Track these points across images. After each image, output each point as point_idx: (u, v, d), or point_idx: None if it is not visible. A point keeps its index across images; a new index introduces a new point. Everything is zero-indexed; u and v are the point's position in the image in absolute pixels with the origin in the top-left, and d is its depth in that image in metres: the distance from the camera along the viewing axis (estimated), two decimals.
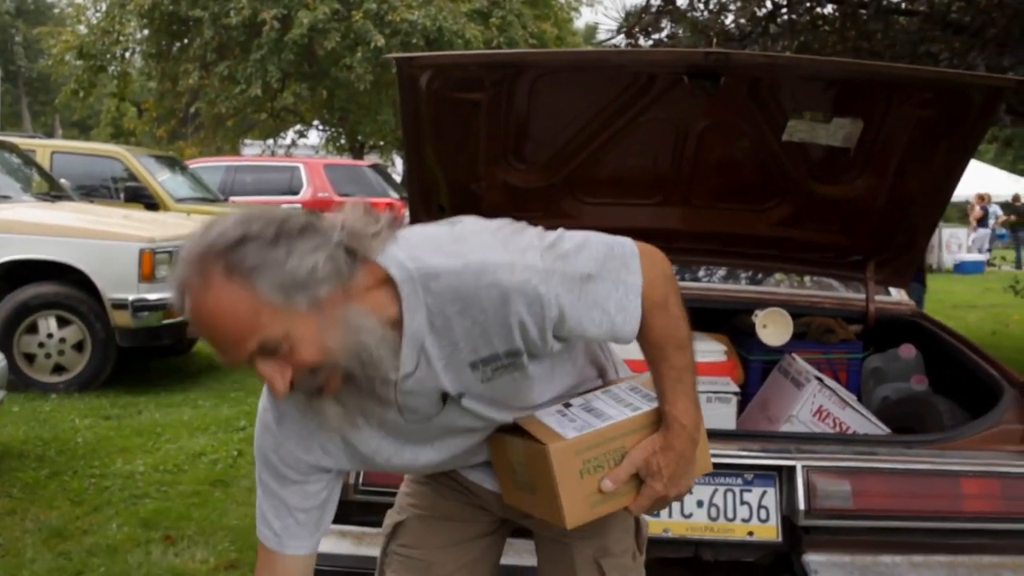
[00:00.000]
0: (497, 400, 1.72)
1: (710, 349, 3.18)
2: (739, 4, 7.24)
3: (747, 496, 2.58)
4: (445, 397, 1.68)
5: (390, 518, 2.09)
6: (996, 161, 28.46)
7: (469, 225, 1.70)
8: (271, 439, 1.75)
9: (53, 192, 8.14)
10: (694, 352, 1.79)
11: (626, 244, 1.70)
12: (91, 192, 9.73)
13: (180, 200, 9.91)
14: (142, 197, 9.58)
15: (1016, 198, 22.76)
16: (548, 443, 1.67)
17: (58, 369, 6.84)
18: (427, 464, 1.85)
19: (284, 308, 1.47)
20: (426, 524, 2.02)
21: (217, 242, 1.48)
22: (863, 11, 7.05)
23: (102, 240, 6.84)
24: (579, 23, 27.54)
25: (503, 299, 1.57)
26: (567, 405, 1.78)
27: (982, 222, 22.58)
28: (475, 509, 2.01)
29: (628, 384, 1.85)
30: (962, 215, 25.05)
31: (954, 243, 21.41)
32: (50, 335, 6.79)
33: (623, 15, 5.32)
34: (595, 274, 1.65)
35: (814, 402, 3.00)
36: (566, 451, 1.67)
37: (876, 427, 2.99)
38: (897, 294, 3.80)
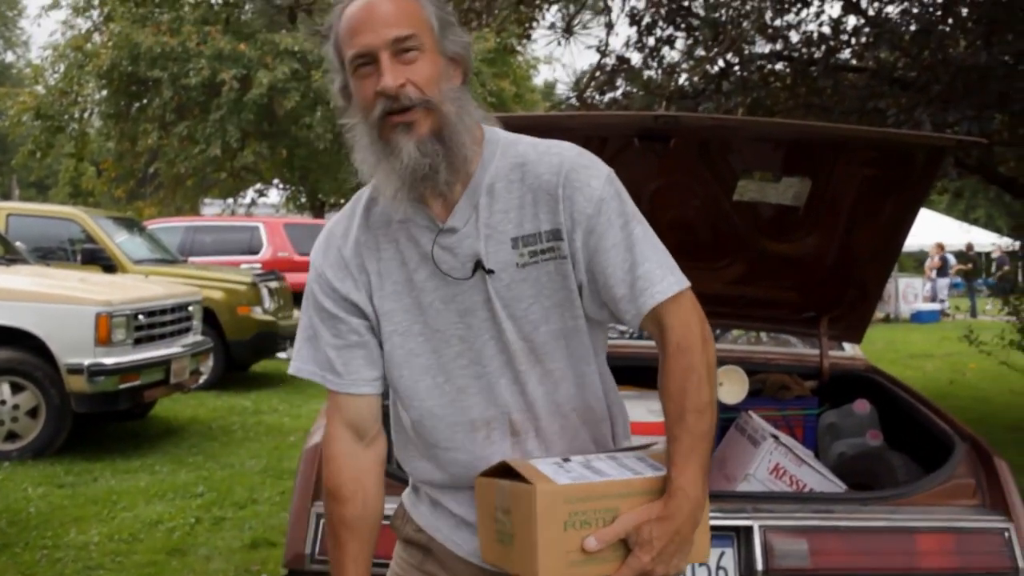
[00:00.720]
0: (519, 306, 1.72)
1: None
2: (691, 63, 7.37)
3: None
4: (477, 268, 1.72)
5: None
6: (949, 211, 29.02)
7: None
8: (317, 263, 1.85)
9: (8, 255, 8.05)
10: (715, 423, 1.70)
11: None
12: (48, 255, 9.63)
13: (138, 262, 9.83)
14: (99, 259, 9.49)
15: (969, 247, 23.18)
16: (536, 483, 1.59)
17: (11, 436, 6.70)
18: (423, 381, 1.79)
19: (435, 35, 1.68)
20: None
21: None
22: (813, 68, 7.20)
23: (58, 304, 6.76)
24: (538, 80, 27.89)
25: (560, 169, 1.70)
26: (566, 460, 1.70)
27: (941, 271, 22.91)
28: None
29: (635, 454, 1.76)
30: (918, 264, 25.43)
31: (910, 293, 21.68)
32: (3, 401, 6.67)
33: (574, 79, 5.39)
34: (645, 227, 1.73)
35: (771, 460, 3.01)
36: (554, 496, 1.57)
37: (833, 484, 3.00)
38: (851, 349, 3.84)
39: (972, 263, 22.91)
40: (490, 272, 1.72)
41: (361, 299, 1.80)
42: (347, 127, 1.73)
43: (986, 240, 24.40)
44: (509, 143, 1.77)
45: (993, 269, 20.74)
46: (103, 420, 7.52)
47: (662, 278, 1.68)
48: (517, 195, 1.72)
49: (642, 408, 3.20)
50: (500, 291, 1.72)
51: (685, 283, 1.71)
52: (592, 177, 1.70)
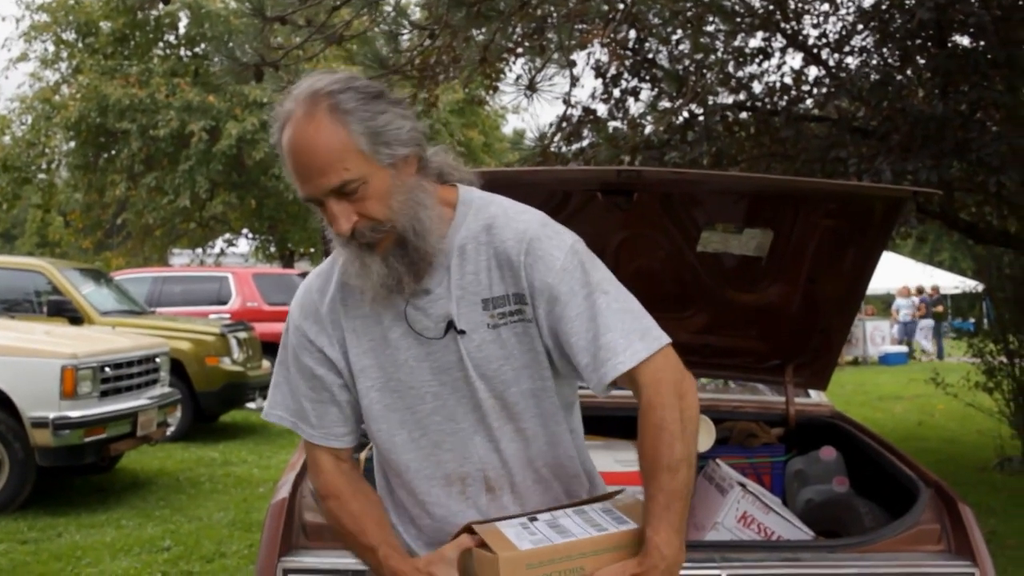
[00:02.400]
0: (491, 366, 1.77)
1: (634, 459, 3.20)
2: (656, 114, 7.48)
3: None
4: (449, 328, 1.77)
5: None
6: (914, 254, 29.41)
7: None
8: (295, 317, 1.90)
9: None
10: (693, 476, 1.72)
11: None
12: (13, 307, 9.55)
13: (105, 313, 9.76)
14: (66, 311, 9.42)
15: (935, 290, 23.46)
16: (499, 552, 1.62)
17: None
18: (399, 435, 1.83)
19: (368, 155, 1.67)
20: None
21: (326, 86, 1.69)
22: (776, 118, 7.33)
23: (22, 357, 6.71)
24: (507, 128, 28.12)
25: (524, 237, 1.75)
26: (532, 519, 1.73)
27: (925, 315, 23.09)
28: None
29: (602, 505, 1.78)
30: (885, 307, 25.69)
31: (878, 335, 21.88)
32: None
33: (538, 135, 5.46)
34: (610, 296, 1.74)
35: (739, 508, 3.03)
36: (516, 562, 1.60)
37: (800, 531, 3.02)
38: (817, 396, 3.88)
39: (939, 305, 23.18)
40: (462, 332, 1.77)
41: (336, 355, 1.86)
42: (323, 226, 1.78)
43: (950, 283, 24.71)
44: (482, 204, 1.81)
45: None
46: (68, 474, 7.42)
47: (625, 347, 1.70)
48: (485, 257, 1.77)
49: (609, 458, 3.21)
50: (472, 351, 1.77)
51: (656, 345, 1.73)
52: (555, 247, 1.75)
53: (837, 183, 3.57)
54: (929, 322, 22.87)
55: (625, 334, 1.71)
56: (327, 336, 1.86)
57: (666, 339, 1.75)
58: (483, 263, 1.77)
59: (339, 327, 1.85)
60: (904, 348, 22.09)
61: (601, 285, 1.75)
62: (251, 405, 11.91)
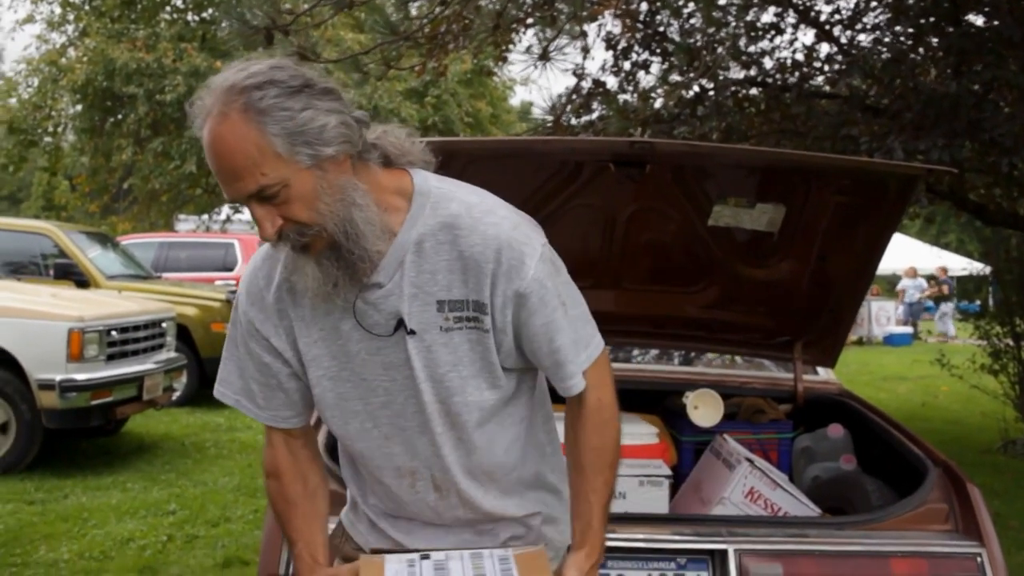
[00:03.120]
0: (438, 370, 1.72)
1: (642, 431, 3.21)
2: (666, 88, 7.44)
3: None
4: (400, 326, 1.70)
5: None
6: (921, 235, 29.33)
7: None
8: (241, 304, 1.83)
9: None
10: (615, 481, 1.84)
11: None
12: (19, 269, 9.55)
13: (112, 277, 9.77)
14: (72, 274, 9.42)
15: (943, 271, 23.37)
16: None
17: None
18: (352, 424, 1.82)
19: (287, 157, 1.55)
20: None
21: (243, 80, 1.55)
22: (787, 94, 7.27)
23: (29, 319, 6.72)
24: (514, 101, 28.01)
25: (493, 244, 1.66)
26: (424, 557, 1.70)
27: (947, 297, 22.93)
28: None
29: (502, 553, 1.72)
30: (891, 287, 25.64)
31: (883, 316, 21.84)
32: None
33: (550, 104, 5.43)
34: (569, 305, 1.75)
35: (746, 484, 3.04)
36: None
37: (807, 508, 3.03)
38: (825, 373, 3.88)
39: (941, 286, 23.10)
40: (412, 333, 1.71)
41: (282, 345, 1.81)
42: None
43: (957, 264, 24.65)
44: (441, 197, 1.71)
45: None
46: (74, 436, 7.45)
47: (580, 367, 1.76)
48: (446, 258, 1.68)
49: None
50: (421, 352, 1.72)
51: (598, 351, 1.80)
52: (526, 256, 1.68)
53: (851, 159, 3.55)
54: (950, 305, 22.69)
55: (576, 351, 1.76)
56: (273, 325, 1.80)
57: (602, 343, 1.82)
58: (443, 263, 1.68)
59: (286, 316, 1.78)
60: (909, 329, 22.06)
61: (562, 296, 1.74)
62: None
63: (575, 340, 1.75)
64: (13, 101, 20.60)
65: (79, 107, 19.07)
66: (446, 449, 1.78)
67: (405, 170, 1.72)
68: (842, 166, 3.27)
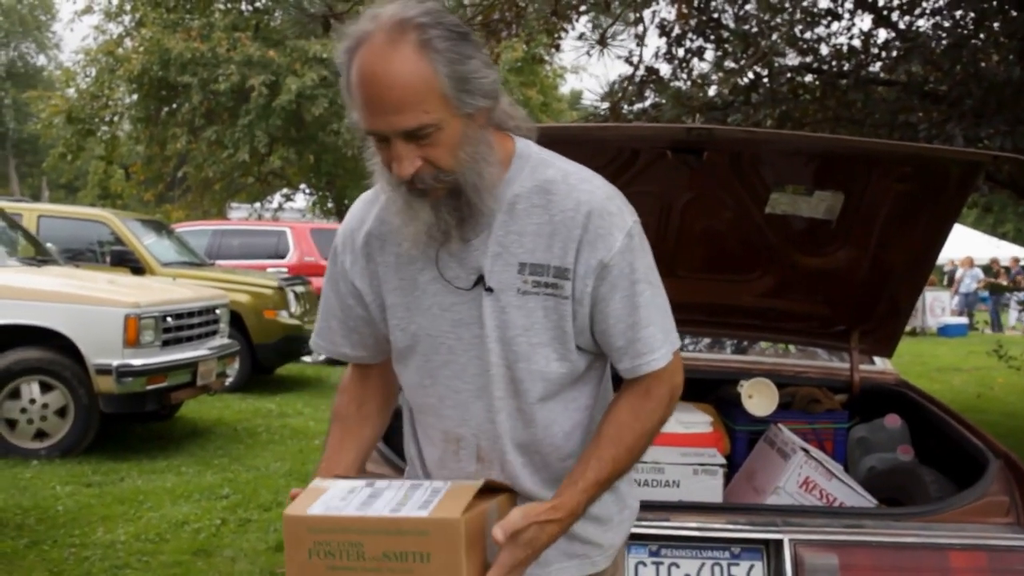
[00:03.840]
0: (509, 332, 1.69)
1: (696, 420, 3.19)
2: (721, 75, 7.36)
3: (734, 570, 2.58)
4: (479, 282, 1.70)
5: None
6: (977, 224, 28.80)
7: None
8: (336, 246, 1.87)
9: (39, 256, 8.14)
10: (615, 482, 1.75)
11: None
12: (77, 256, 9.71)
13: (166, 264, 9.91)
14: (128, 261, 9.57)
15: (994, 262, 22.95)
16: (287, 510, 1.64)
17: (40, 435, 6.78)
18: (413, 379, 1.81)
19: (451, 100, 1.56)
20: None
21: (415, 16, 1.55)
22: (843, 81, 7.16)
23: (87, 305, 6.83)
24: (564, 89, 27.91)
25: (584, 209, 1.66)
26: (370, 483, 1.69)
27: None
28: None
29: (438, 485, 1.68)
30: (949, 279, 25.21)
31: (937, 306, 21.51)
32: (32, 400, 6.74)
33: (606, 89, 5.40)
34: (655, 287, 1.73)
35: (801, 473, 3.00)
36: (298, 523, 1.61)
37: (863, 498, 2.99)
38: (881, 363, 3.82)
39: (995, 277, 22.67)
40: (489, 290, 1.69)
41: (365, 288, 1.83)
42: (368, 161, 1.71)
43: (1014, 254, 24.21)
44: (540, 163, 1.72)
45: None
46: (130, 421, 7.58)
47: (661, 344, 1.73)
48: (536, 221, 1.68)
49: (672, 419, 3.18)
50: (495, 311, 1.70)
51: (676, 345, 1.77)
52: (615, 227, 1.67)
53: (913, 145, 3.49)
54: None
55: (663, 330, 1.73)
56: (359, 268, 1.82)
57: (679, 342, 1.79)
58: (531, 226, 1.68)
59: (373, 260, 1.80)
60: (964, 320, 21.70)
61: (649, 275, 1.72)
62: (307, 359, 12.05)
63: (661, 325, 1.73)
64: (71, 91, 20.97)
65: (135, 97, 19.37)
66: (501, 416, 1.75)
67: (509, 135, 1.73)
68: (904, 152, 3.21)
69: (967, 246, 23.76)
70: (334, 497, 1.65)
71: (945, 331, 20.50)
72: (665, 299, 1.76)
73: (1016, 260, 23.03)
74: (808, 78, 7.71)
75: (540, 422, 1.76)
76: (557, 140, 3.18)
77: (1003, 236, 30.98)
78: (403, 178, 1.59)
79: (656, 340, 1.71)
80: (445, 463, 1.83)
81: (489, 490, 1.70)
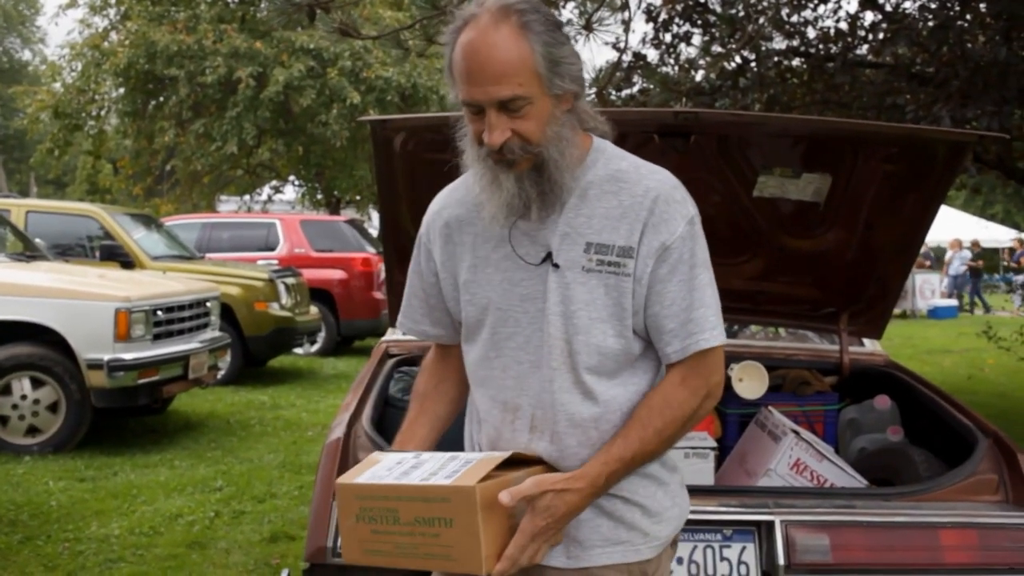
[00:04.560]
0: (571, 306, 1.79)
1: None
2: (708, 59, 7.36)
3: (726, 552, 2.59)
4: (547, 259, 1.81)
5: None
6: (966, 207, 28.90)
7: None
8: (424, 225, 2.01)
9: (28, 252, 8.11)
10: (653, 458, 1.83)
11: None
12: (66, 251, 9.68)
13: (156, 258, 9.87)
14: (118, 256, 9.53)
15: (975, 244, 23.01)
16: (339, 479, 1.76)
17: (32, 431, 6.76)
18: (479, 351, 1.90)
19: (544, 78, 1.72)
20: None
21: (519, 3, 1.72)
22: (830, 64, 7.18)
23: (77, 300, 6.81)
24: None
25: (651, 195, 1.79)
26: (417, 455, 1.82)
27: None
28: None
29: (471, 456, 1.78)
30: (937, 259, 25.31)
31: (927, 288, 21.59)
32: (24, 396, 6.72)
33: (593, 75, 5.39)
34: (710, 275, 1.83)
35: (791, 455, 3.02)
36: (347, 492, 1.74)
37: (854, 479, 3.00)
38: (871, 345, 3.84)
39: (980, 260, 22.76)
40: (556, 266, 1.80)
41: (443, 268, 1.96)
42: (459, 133, 1.84)
43: (1004, 236, 24.30)
44: (615, 155, 1.86)
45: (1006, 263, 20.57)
46: (122, 415, 7.57)
47: (714, 326, 1.81)
48: (606, 205, 1.80)
49: None
50: (559, 286, 1.80)
51: (724, 339, 1.84)
52: (678, 214, 1.80)
53: (899, 126, 3.49)
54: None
55: (716, 314, 1.82)
56: (439, 249, 1.95)
57: (725, 338, 1.86)
58: (600, 210, 1.80)
59: (452, 241, 1.93)
60: (954, 301, 21.78)
61: (706, 263, 1.83)
62: (298, 350, 12.04)
63: (715, 309, 1.81)
64: (58, 86, 20.89)
65: (122, 90, 19.28)
66: (556, 385, 1.81)
67: (588, 134, 1.86)
68: (890, 134, 3.21)
69: (956, 228, 23.84)
70: (382, 467, 1.78)
71: (935, 313, 20.58)
72: (716, 291, 1.84)
73: (1021, 242, 23.05)
74: (795, 61, 7.73)
75: (598, 397, 1.82)
76: None
77: (992, 217, 31.09)
78: (494, 146, 1.73)
79: (708, 321, 1.80)
80: (501, 434, 1.89)
81: (524, 462, 1.79)
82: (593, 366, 1.81)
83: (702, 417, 1.85)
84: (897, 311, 19.46)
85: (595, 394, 1.82)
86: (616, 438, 1.78)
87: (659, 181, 1.82)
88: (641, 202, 1.79)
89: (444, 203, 1.99)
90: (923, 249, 22.27)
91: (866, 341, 3.82)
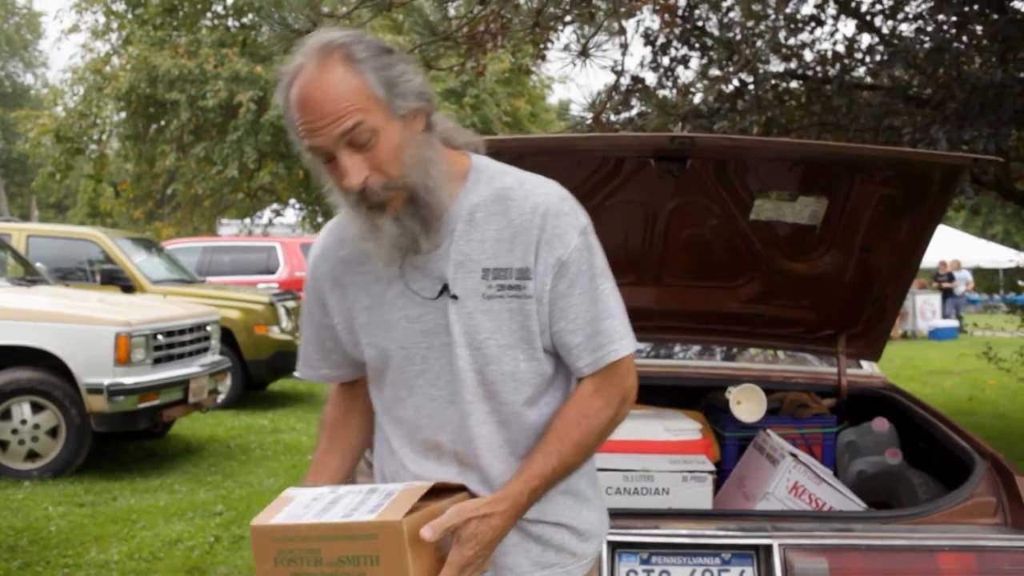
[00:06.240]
0: (477, 336, 1.74)
1: (685, 427, 3.20)
2: (706, 82, 7.40)
3: None
4: (444, 291, 1.75)
5: None
6: (966, 227, 28.92)
7: None
8: (309, 271, 1.94)
9: (28, 276, 8.13)
10: (570, 476, 1.80)
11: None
12: (67, 275, 9.69)
13: (157, 282, 9.89)
14: (118, 280, 9.54)
15: (956, 264, 22.99)
16: (254, 521, 1.69)
17: (32, 455, 6.76)
18: (388, 391, 1.85)
19: (384, 102, 1.64)
20: None
21: (338, 39, 1.66)
22: (828, 86, 7.20)
23: (77, 324, 6.82)
24: (552, 99, 27.98)
25: (540, 210, 1.73)
26: (333, 491, 1.75)
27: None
28: None
29: (392, 488, 1.71)
30: (936, 281, 25.30)
31: (928, 309, 21.57)
32: (24, 421, 6.72)
33: (590, 100, 5.42)
34: (612, 284, 1.79)
35: (790, 478, 3.01)
36: (261, 534, 1.67)
37: (852, 502, 3.00)
38: (869, 367, 3.84)
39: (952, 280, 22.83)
40: (454, 298, 1.75)
41: (336, 312, 1.88)
42: (325, 190, 1.76)
43: (1003, 256, 24.28)
44: (496, 173, 1.79)
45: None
46: (122, 439, 7.56)
47: (622, 336, 1.77)
48: (496, 227, 1.74)
49: (659, 427, 3.21)
50: (461, 317, 1.75)
51: (634, 345, 1.81)
52: (570, 226, 1.74)
53: (894, 149, 3.51)
54: None
55: (623, 323, 1.79)
56: (329, 294, 1.89)
57: (637, 345, 1.83)
58: (492, 232, 1.74)
59: (340, 284, 1.87)
60: (955, 323, 21.75)
61: (606, 271, 1.79)
62: (299, 374, 12.01)
63: (622, 318, 1.78)
64: (59, 110, 20.96)
65: (123, 114, 19.36)
66: (474, 419, 1.78)
67: (463, 152, 1.80)
68: (886, 157, 3.23)
69: (956, 249, 23.84)
70: (298, 506, 1.71)
71: (936, 334, 20.55)
72: (620, 298, 1.81)
73: (957, 263, 23.09)
74: (793, 84, 7.76)
75: (515, 426, 1.80)
76: (543, 151, 3.21)
77: (992, 237, 31.10)
78: (354, 189, 1.65)
79: (616, 332, 1.77)
80: (427, 467, 1.85)
81: (447, 491, 1.73)
82: (509, 394, 1.78)
83: (619, 423, 1.82)
84: (898, 332, 19.47)
85: (513, 422, 1.79)
86: (535, 454, 1.74)
87: (546, 195, 1.76)
88: (531, 219, 1.73)
89: (326, 245, 1.90)
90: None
91: (864, 363, 3.83)
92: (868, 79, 7.64)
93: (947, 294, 22.45)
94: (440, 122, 1.78)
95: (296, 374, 2.08)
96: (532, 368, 1.78)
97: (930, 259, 20.22)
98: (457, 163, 1.78)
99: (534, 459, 1.74)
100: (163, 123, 19.31)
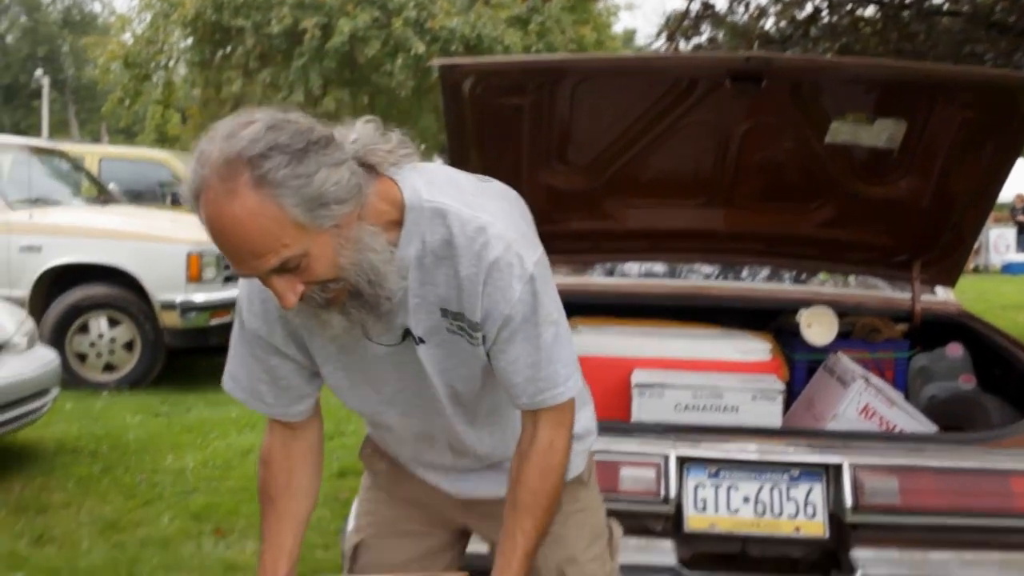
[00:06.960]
0: (447, 363, 1.72)
1: (755, 348, 3.20)
2: (779, 7, 7.24)
3: (793, 492, 2.61)
4: (407, 335, 1.69)
5: (349, 540, 2.08)
6: None
7: (497, 188, 1.79)
8: (243, 313, 1.78)
9: (102, 196, 8.30)
10: (544, 538, 1.75)
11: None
12: (138, 196, 9.89)
13: None
14: None
15: (1019, 198, 22.31)
16: None
17: (109, 368, 7.01)
18: (368, 404, 1.84)
19: (307, 226, 1.45)
20: (386, 542, 2.03)
21: (246, 149, 1.42)
22: (905, 12, 7.02)
23: (150, 243, 7.00)
24: (618, 27, 27.53)
25: (484, 266, 1.61)
26: None
27: None
28: (435, 521, 2.02)
29: None
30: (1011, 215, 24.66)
31: (1002, 243, 21.05)
32: (101, 335, 6.95)
33: (664, 20, 5.34)
34: (558, 327, 1.70)
35: (860, 400, 3.01)
36: None
37: (923, 425, 2.99)
38: (943, 293, 3.79)
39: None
40: (420, 341, 1.69)
41: (290, 349, 1.77)
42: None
43: None
44: (434, 213, 1.62)
45: None
46: (195, 354, 7.76)
47: (565, 379, 1.70)
48: (445, 273, 1.64)
49: (729, 347, 3.22)
50: (430, 353, 1.70)
51: (572, 392, 1.73)
52: (514, 278, 1.62)
53: (978, 69, 3.43)
54: None
55: (567, 365, 1.71)
56: (278, 333, 1.75)
57: (577, 387, 1.75)
58: (442, 277, 1.64)
59: (289, 323, 1.73)
60: None
61: (550, 315, 1.68)
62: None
63: (565, 361, 1.71)
64: (127, 37, 21.12)
65: (190, 41, 19.46)
66: (460, 426, 1.81)
67: (391, 180, 1.62)
68: (969, 78, 3.15)
69: None
70: None
71: (1010, 268, 20.08)
72: (569, 333, 1.74)
73: (1021, 197, 22.34)
74: (869, 10, 7.57)
75: (498, 424, 1.85)
76: (615, 72, 3.19)
77: None
78: (290, 308, 1.54)
79: (559, 376, 1.70)
80: (421, 455, 1.92)
81: None
82: (487, 409, 1.81)
83: (569, 451, 1.76)
84: (970, 266, 19.08)
85: (490, 430, 1.85)
86: (515, 535, 1.71)
87: (488, 247, 1.61)
88: (476, 274, 1.61)
89: (279, 311, 1.71)
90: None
91: (939, 290, 3.78)
92: (947, 4, 7.41)
93: (1023, 228, 21.93)
94: (363, 149, 1.59)
95: (226, 389, 1.87)
96: (495, 380, 1.76)
97: (1007, 193, 19.71)
98: (388, 197, 1.60)
99: (516, 542, 1.71)
100: (229, 49, 19.39)
